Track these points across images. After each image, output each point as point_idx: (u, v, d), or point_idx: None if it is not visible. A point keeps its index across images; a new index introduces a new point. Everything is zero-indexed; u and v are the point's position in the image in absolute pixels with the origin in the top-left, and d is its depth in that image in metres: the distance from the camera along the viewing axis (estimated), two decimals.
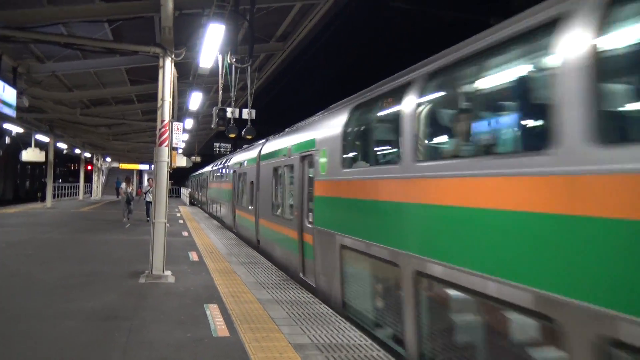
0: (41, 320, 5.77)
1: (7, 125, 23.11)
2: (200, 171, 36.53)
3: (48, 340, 5.11)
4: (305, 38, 12.22)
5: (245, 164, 14.94)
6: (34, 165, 61.94)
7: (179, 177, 62.21)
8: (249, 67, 11.59)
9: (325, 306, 6.90)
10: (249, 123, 12.24)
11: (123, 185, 19.94)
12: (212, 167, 26.85)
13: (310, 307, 6.78)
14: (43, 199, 29.80)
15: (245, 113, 11.98)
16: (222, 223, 20.17)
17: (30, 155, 25.92)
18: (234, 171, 17.00)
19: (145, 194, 19.15)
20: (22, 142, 30.12)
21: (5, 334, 5.25)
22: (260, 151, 12.82)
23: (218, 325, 5.77)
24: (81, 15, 9.99)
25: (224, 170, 20.55)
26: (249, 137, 12.33)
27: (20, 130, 24.90)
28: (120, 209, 20.85)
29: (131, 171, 51.16)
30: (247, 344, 5.12)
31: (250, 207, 13.54)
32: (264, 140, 13.73)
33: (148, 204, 18.83)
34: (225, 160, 21.67)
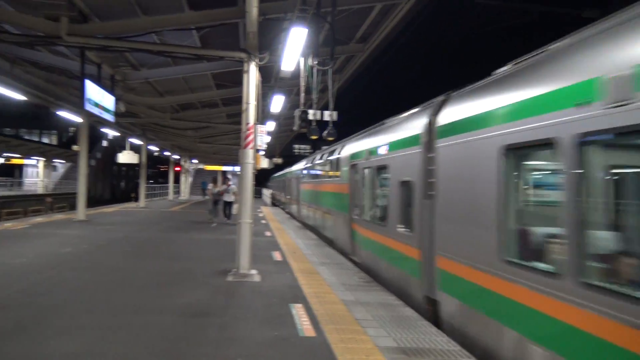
0: (140, 315, 6.12)
1: (104, 129, 24.84)
2: (286, 170, 33.62)
3: (148, 333, 5.40)
4: (385, 39, 12.12)
5: (386, 150, 8.83)
6: (128, 166, 66.02)
7: (260, 178, 63.83)
8: (330, 69, 11.65)
9: (411, 309, 6.80)
10: (331, 124, 12.31)
11: (210, 186, 20.08)
12: (305, 164, 21.86)
13: (395, 310, 6.70)
14: (137, 198, 31.69)
15: (327, 115, 12.05)
16: (320, 235, 15.84)
17: (125, 157, 27.74)
18: (354, 165, 11.36)
19: (223, 192, 19.27)
20: (118, 145, 32.25)
21: (107, 325, 5.62)
22: (441, 119, 6.56)
23: (304, 325, 5.84)
24: (172, 23, 10.51)
25: (327, 167, 15.25)
26: (331, 138, 12.38)
27: (117, 134, 26.68)
28: (206, 209, 21.67)
29: (215, 172, 53.14)
30: (333, 345, 5.14)
31: (405, 231, 7.64)
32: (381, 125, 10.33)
33: (226, 204, 19.24)
34: (329, 151, 15.52)
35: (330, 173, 14.43)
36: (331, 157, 14.48)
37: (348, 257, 11.32)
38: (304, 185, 21.15)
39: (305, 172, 21.21)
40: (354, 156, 11.41)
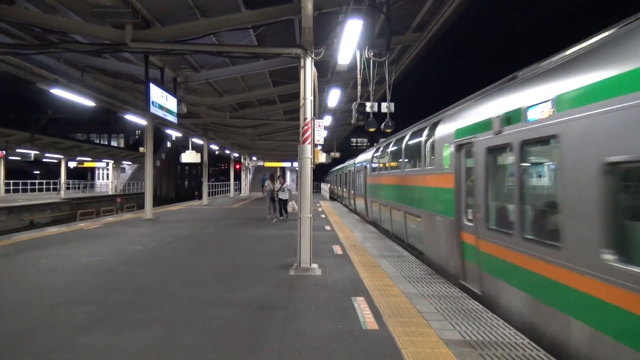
0: (206, 309, 6.30)
1: (168, 131, 25.74)
2: (347, 163, 30.43)
3: (214, 326, 5.55)
4: (442, 26, 11.85)
5: (551, 111, 5.18)
6: (190, 166, 68.27)
7: (318, 173, 64.24)
8: (386, 61, 11.53)
9: (475, 302, 6.64)
10: (388, 116, 12.20)
11: (267, 183, 20.04)
12: (373, 153, 18.12)
13: (459, 302, 6.56)
14: (200, 196, 32.64)
15: (384, 107, 11.94)
16: (403, 244, 12.42)
17: (188, 157, 28.66)
18: (463, 146, 7.85)
19: (278, 191, 19.20)
20: (181, 145, 33.35)
21: (176, 319, 5.83)
22: None
23: (367, 318, 5.83)
24: (230, 24, 10.72)
25: (408, 154, 12.11)
26: (388, 130, 12.28)
27: (179, 134, 27.58)
28: (265, 206, 22.00)
29: (274, 169, 53.94)
30: (397, 338, 5.10)
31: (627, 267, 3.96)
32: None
33: (281, 202, 19.16)
34: (410, 133, 12.02)
35: (415, 162, 11.39)
36: (414, 141, 11.32)
37: (454, 281, 8.02)
38: (373, 178, 17.76)
39: (374, 163, 17.74)
40: (463, 132, 7.71)
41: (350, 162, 28.40)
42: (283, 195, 19.06)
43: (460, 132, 7.90)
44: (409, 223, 11.73)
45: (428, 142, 9.98)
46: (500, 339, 5.10)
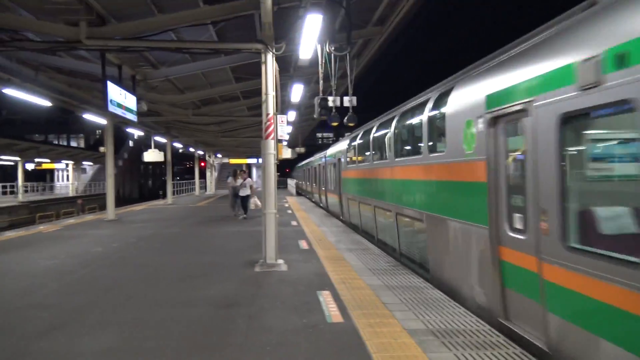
0: (170, 308, 6.22)
1: (129, 130, 25.25)
2: (316, 157, 28.03)
3: (179, 325, 5.48)
4: (403, 19, 11.93)
5: None
6: (154, 165, 67.14)
7: (283, 169, 64.19)
8: (347, 55, 11.57)
9: (439, 291, 6.75)
10: (351, 110, 12.25)
11: (229, 179, 19.13)
12: (350, 142, 15.52)
13: (423, 293, 6.66)
14: (164, 195, 32.14)
15: (347, 101, 11.99)
16: (393, 253, 10.29)
17: (151, 155, 28.17)
18: (501, 119, 5.39)
19: (239, 188, 18.32)
20: (143, 144, 32.77)
21: (138, 320, 5.73)
22: None
23: (332, 311, 5.86)
24: (188, 20, 10.54)
25: (406, 136, 9.89)
26: (351, 124, 12.35)
27: (141, 133, 27.09)
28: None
29: (240, 165, 53.58)
30: (361, 330, 5.14)
31: None
32: None
33: (242, 199, 18.30)
34: (409, 108, 9.51)
35: (411, 149, 9.16)
36: (409, 122, 9.29)
37: (483, 314, 5.71)
38: (351, 172, 14.96)
39: (350, 154, 15.12)
40: (504, 97, 5.22)
41: (318, 155, 26.29)
42: (244, 192, 18.26)
43: (497, 98, 5.33)
44: (403, 228, 9.50)
45: (433, 120, 7.69)
46: (462, 326, 5.20)
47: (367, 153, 12.69)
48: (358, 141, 13.99)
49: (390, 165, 10.08)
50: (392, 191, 9.99)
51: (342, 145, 16.87)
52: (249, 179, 18.48)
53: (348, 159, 15.58)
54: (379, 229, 11.63)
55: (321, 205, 24.43)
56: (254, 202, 17.75)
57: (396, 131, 9.96)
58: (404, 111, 9.66)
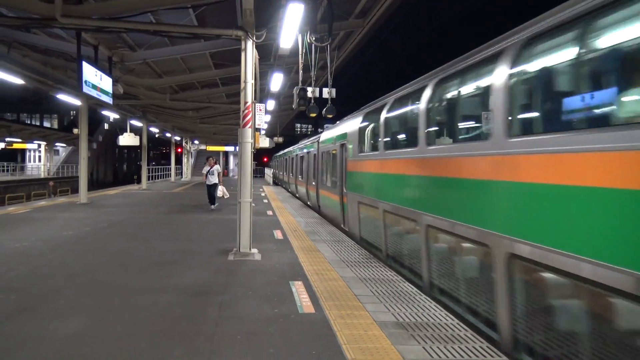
0: (140, 295, 6.15)
1: (105, 112, 24.78)
2: (301, 144, 24.96)
3: (148, 312, 5.43)
4: (385, 12, 11.93)
5: None
6: (129, 149, 66.17)
7: (262, 158, 63.94)
8: (328, 46, 11.53)
9: (410, 285, 6.82)
10: (330, 102, 12.24)
11: (206, 168, 17.27)
12: (364, 118, 10.90)
13: (395, 285, 6.72)
14: (139, 181, 31.72)
15: (326, 92, 11.97)
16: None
17: (126, 139, 27.75)
18: None
19: (206, 175, 16.96)
20: (119, 127, 32.25)
21: (108, 306, 5.65)
22: None
23: (304, 301, 5.87)
24: (168, 2, 10.36)
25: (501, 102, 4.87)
26: (330, 115, 12.33)
27: (117, 116, 26.63)
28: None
29: (217, 153, 53.15)
30: (333, 321, 5.17)
31: None
32: None
33: (210, 187, 16.94)
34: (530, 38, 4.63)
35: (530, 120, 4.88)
36: (516, 69, 4.77)
37: None
38: (366, 164, 10.20)
39: (367, 135, 10.58)
40: None
41: (306, 141, 22.93)
42: (211, 180, 16.89)
43: None
44: (458, 259, 6.05)
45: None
46: (431, 320, 5.27)
47: (406, 136, 8.52)
48: (387, 116, 9.02)
49: (464, 154, 5.67)
50: (467, 202, 5.53)
51: (349, 125, 11.91)
52: (216, 166, 17.15)
53: (359, 146, 10.79)
54: (433, 262, 6.75)
55: (309, 204, 19.87)
56: (221, 189, 16.87)
57: (475, 93, 6.07)
58: (493, 53, 5.27)
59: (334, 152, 13.87)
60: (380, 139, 9.25)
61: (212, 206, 16.99)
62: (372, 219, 9.83)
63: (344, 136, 12.40)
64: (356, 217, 11.01)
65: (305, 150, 21.36)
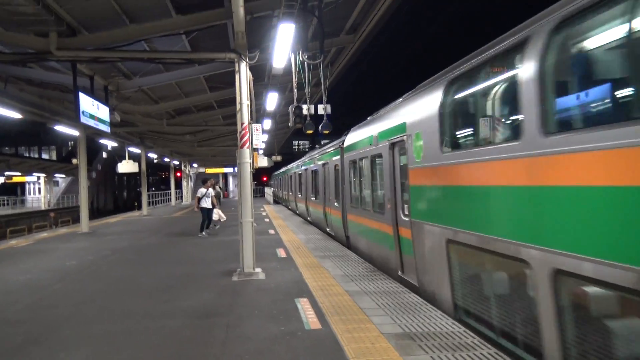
0: (147, 319, 6.16)
1: (103, 141, 24.89)
2: (309, 157, 21.38)
3: (155, 337, 5.44)
4: (375, 27, 12.10)
5: None
6: (129, 176, 66.22)
7: (259, 177, 64.03)
8: (321, 63, 11.66)
9: (415, 295, 6.83)
10: (325, 118, 12.34)
11: (202, 190, 15.91)
12: (446, 95, 6.24)
13: (399, 297, 6.74)
14: (139, 207, 31.74)
15: (321, 108, 12.08)
16: None
17: (125, 167, 27.79)
18: None
19: (201, 199, 15.66)
20: (117, 155, 32.37)
21: (114, 332, 5.66)
22: None
23: (310, 318, 5.88)
24: (161, 30, 10.52)
25: None
26: (326, 132, 12.42)
27: (115, 144, 26.74)
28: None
29: (217, 175, 53.20)
30: (340, 335, 5.18)
31: None
32: None
33: (204, 212, 15.81)
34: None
35: None
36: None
37: None
38: (458, 173, 5.81)
39: (455, 121, 6.40)
40: None
41: (315, 153, 19.38)
42: (205, 204, 15.70)
43: None
44: None
45: None
46: (437, 329, 5.28)
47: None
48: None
49: None
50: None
51: (413, 110, 7.66)
52: (210, 189, 15.95)
53: (447, 139, 6.34)
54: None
55: (328, 230, 15.85)
56: (217, 212, 16.32)
57: None
58: None
59: (375, 157, 9.78)
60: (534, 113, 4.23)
61: (201, 233, 15.70)
62: (493, 278, 5.36)
63: (399, 130, 8.06)
64: (443, 267, 6.31)
65: (320, 163, 16.96)
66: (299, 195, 23.69)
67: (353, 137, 11.94)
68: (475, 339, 4.94)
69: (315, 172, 18.45)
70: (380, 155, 9.32)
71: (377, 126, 9.59)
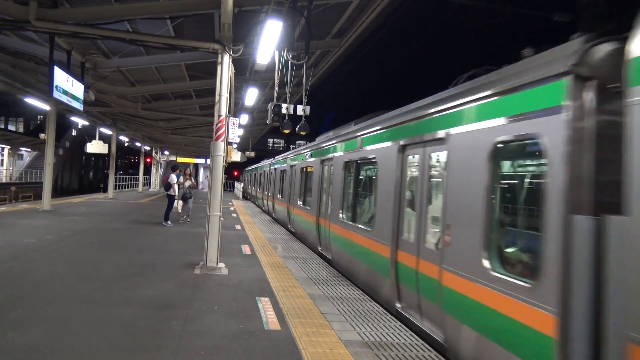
0: (103, 307, 6.01)
1: (74, 118, 24.30)
2: (288, 154, 19.23)
3: (111, 325, 5.31)
4: (361, 35, 12.14)
5: None
6: (97, 156, 64.79)
7: (232, 172, 63.51)
8: (304, 64, 11.64)
9: (376, 304, 6.86)
10: (303, 119, 12.32)
11: (173, 176, 15.86)
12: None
13: (361, 304, 6.75)
14: (105, 189, 31.09)
15: (300, 109, 12.05)
16: None
17: (94, 147, 27.20)
18: None
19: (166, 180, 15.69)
20: (87, 134, 31.63)
21: (69, 317, 5.51)
22: None
23: (270, 318, 5.84)
24: (145, 12, 10.33)
25: None
26: (303, 133, 12.41)
27: (86, 123, 26.14)
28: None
29: (187, 164, 52.51)
30: (298, 338, 5.15)
31: None
32: None
33: (168, 198, 15.71)
34: None
35: None
36: None
37: None
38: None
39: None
40: None
41: (301, 150, 15.76)
42: (174, 191, 15.68)
43: None
44: None
45: None
46: (396, 340, 5.30)
47: None
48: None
49: None
50: None
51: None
52: (172, 176, 15.89)
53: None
54: None
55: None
56: (179, 204, 16.15)
57: None
58: None
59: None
60: None
61: (166, 222, 15.40)
62: None
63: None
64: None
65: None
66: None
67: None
68: (432, 352, 4.98)
69: (293, 175, 16.72)
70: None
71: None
